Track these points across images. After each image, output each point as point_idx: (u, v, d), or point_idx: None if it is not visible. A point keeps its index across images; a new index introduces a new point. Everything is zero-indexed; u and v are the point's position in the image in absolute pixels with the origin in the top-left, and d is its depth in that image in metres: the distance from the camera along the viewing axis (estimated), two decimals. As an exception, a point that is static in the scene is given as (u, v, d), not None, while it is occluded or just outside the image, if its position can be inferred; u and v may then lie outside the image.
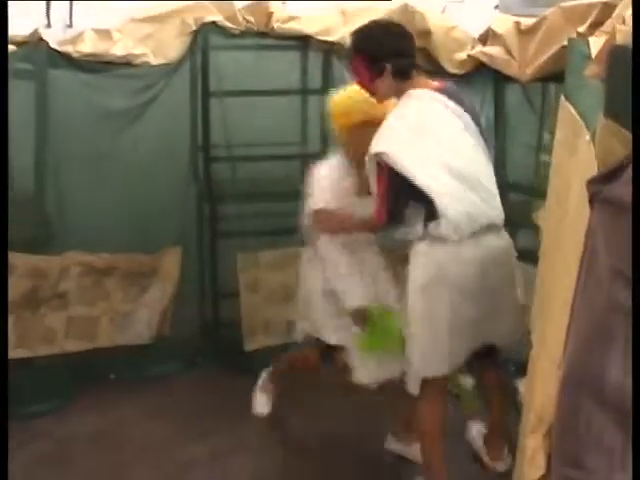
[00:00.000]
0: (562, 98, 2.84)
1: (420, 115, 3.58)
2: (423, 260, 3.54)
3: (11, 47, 4.35)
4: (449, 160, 3.53)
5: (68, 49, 4.46)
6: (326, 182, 3.96)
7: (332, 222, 3.92)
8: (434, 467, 3.74)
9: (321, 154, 4.90)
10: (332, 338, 4.08)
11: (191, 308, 5.29)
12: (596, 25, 3.15)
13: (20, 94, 4.40)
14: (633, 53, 1.68)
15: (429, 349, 3.55)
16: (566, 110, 2.76)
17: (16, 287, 4.46)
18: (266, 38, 4.96)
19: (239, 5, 4.86)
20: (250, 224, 5.09)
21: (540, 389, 2.63)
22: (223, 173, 5.11)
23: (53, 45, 4.42)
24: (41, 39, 4.40)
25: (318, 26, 4.96)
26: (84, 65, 4.52)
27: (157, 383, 4.98)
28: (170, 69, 4.80)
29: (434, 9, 5.03)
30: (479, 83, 4.95)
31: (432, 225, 3.49)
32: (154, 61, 4.70)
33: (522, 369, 4.75)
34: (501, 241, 3.70)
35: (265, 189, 5.21)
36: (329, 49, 5.04)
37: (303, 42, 5.04)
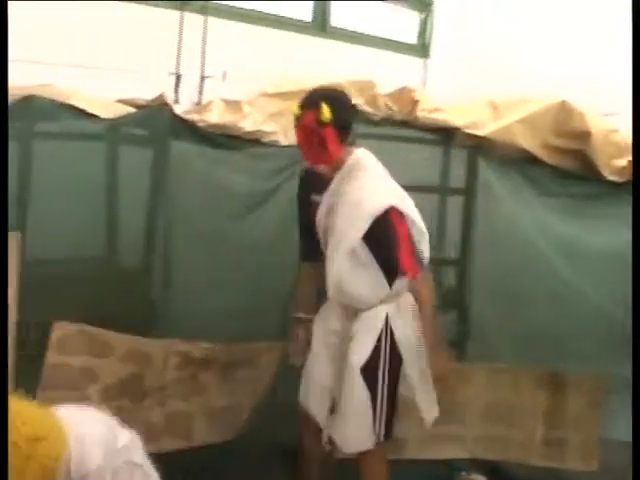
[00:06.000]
0: None
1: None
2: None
3: (131, 109, 4.11)
4: None
5: (193, 117, 4.17)
6: None
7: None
8: None
9: (458, 261, 4.52)
10: None
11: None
12: None
13: (135, 161, 4.13)
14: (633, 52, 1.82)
15: None
16: None
17: (115, 372, 4.08)
18: (406, 128, 4.59)
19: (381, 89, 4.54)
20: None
21: None
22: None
23: (177, 112, 4.13)
24: (165, 104, 4.12)
25: (466, 118, 4.54)
26: (209, 138, 4.20)
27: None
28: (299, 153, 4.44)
29: (593, 109, 4.57)
30: (640, 194, 4.42)
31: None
32: (284, 141, 4.36)
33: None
34: None
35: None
36: (476, 145, 4.59)
37: (447, 136, 4.62)
